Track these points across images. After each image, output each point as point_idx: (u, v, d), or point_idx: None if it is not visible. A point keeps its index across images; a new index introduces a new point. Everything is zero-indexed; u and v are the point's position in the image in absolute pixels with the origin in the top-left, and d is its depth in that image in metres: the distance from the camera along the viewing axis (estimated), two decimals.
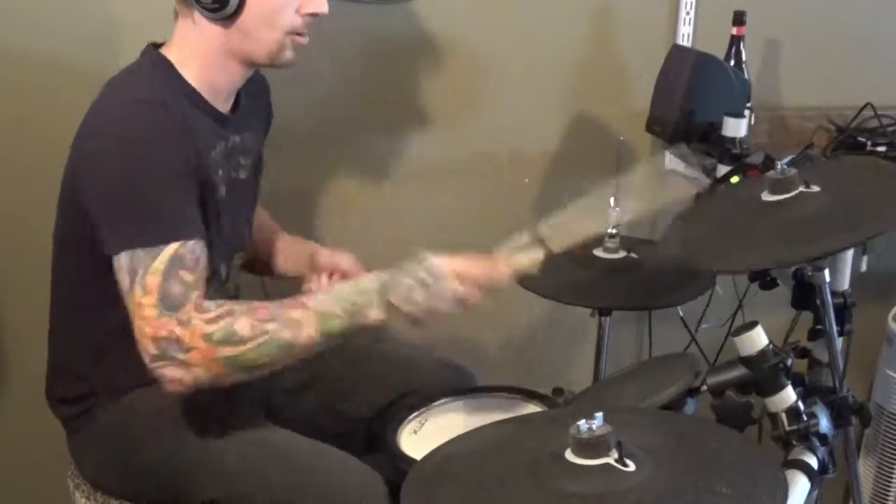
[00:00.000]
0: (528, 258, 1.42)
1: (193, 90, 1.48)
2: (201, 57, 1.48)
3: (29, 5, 1.92)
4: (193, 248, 1.34)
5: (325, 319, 1.35)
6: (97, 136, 1.40)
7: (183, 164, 1.39)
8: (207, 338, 1.30)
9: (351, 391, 1.72)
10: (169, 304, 1.30)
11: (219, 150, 1.51)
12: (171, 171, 1.37)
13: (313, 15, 1.50)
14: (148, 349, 1.31)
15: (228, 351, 1.31)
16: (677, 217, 1.54)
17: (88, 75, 1.64)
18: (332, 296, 1.39)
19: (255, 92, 1.63)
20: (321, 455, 1.51)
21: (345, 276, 1.65)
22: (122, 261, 1.33)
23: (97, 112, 1.43)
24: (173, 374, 1.31)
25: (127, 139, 1.36)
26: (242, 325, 1.31)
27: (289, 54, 1.50)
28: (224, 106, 1.54)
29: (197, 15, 1.46)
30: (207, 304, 1.33)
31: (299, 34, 1.49)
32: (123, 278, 1.33)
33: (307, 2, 1.49)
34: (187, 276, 1.32)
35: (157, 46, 1.52)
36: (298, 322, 1.34)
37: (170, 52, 1.49)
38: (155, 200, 1.35)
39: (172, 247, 1.32)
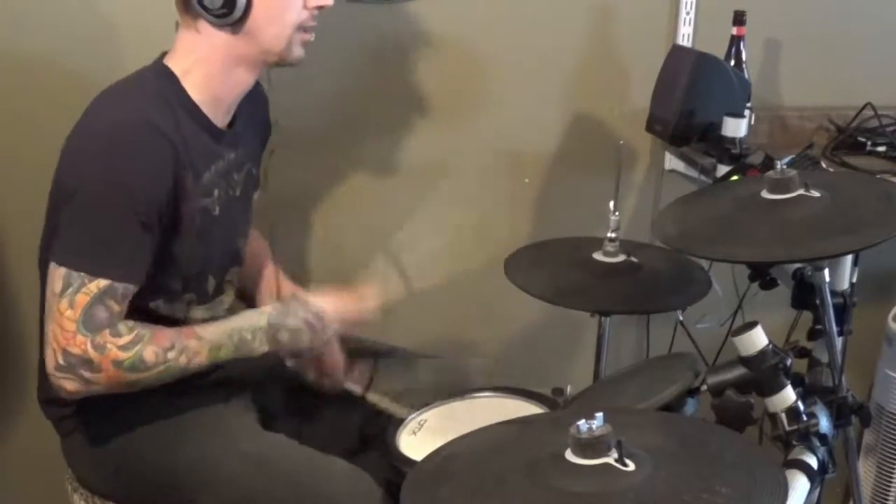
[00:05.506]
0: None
1: (194, 105, 1.47)
2: (206, 66, 1.47)
3: (29, 7, 1.92)
4: (126, 287, 1.40)
5: (214, 350, 1.46)
6: (84, 152, 1.40)
7: (153, 204, 1.39)
8: (118, 364, 1.38)
9: (345, 393, 1.71)
10: (89, 325, 1.36)
11: (214, 171, 1.50)
12: (139, 211, 1.38)
13: (320, 7, 1.49)
14: (55, 358, 1.37)
15: (133, 376, 1.39)
16: (676, 201, 1.54)
17: (89, 77, 1.64)
18: (223, 328, 1.48)
19: (252, 105, 1.62)
20: (313, 462, 1.51)
21: None
22: (60, 271, 1.37)
23: (89, 124, 1.42)
24: (72, 387, 1.38)
25: (109, 166, 1.37)
26: (148, 354, 1.39)
27: (298, 51, 1.50)
28: (223, 120, 1.53)
29: (202, 24, 1.45)
30: (121, 326, 1.39)
31: (306, 30, 1.49)
32: (55, 283, 1.37)
33: None
34: (114, 307, 1.38)
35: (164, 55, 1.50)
36: (193, 350, 1.44)
37: (173, 63, 1.48)
38: (113, 237, 1.38)
39: (110, 280, 1.37)
